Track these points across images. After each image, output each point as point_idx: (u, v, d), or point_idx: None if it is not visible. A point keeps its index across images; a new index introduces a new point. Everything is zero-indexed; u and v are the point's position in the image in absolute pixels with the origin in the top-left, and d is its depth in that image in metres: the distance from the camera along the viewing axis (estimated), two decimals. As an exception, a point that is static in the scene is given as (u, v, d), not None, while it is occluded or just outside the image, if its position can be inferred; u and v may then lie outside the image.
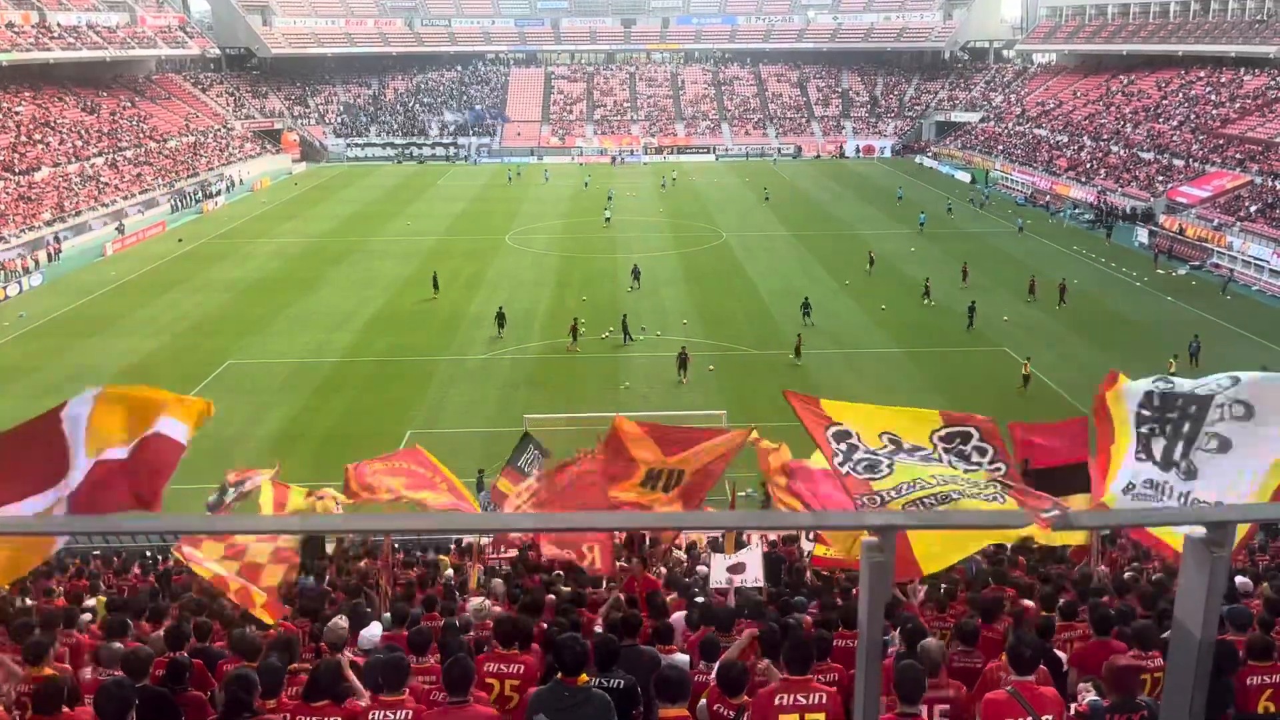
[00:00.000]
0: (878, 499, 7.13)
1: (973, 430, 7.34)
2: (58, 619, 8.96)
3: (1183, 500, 5.29)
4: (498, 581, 12.83)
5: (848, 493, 7.33)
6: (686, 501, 9.21)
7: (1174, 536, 5.64)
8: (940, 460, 7.10)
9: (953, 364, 34.61)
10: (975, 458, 7.24)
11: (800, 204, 69.36)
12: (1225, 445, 5.35)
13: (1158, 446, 5.52)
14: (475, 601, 10.63)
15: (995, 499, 6.80)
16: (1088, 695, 5.94)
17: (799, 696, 5.44)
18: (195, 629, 8.63)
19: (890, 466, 7.01)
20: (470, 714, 5.24)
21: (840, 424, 7.29)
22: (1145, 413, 5.68)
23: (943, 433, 7.27)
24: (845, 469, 7.13)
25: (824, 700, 5.46)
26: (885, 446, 7.15)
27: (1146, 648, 6.57)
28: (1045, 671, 6.37)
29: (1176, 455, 5.43)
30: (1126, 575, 12.13)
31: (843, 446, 7.18)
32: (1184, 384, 5.58)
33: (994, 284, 44.20)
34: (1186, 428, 5.48)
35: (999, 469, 7.03)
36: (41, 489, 5.90)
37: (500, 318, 38.71)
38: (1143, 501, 5.45)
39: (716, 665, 6.39)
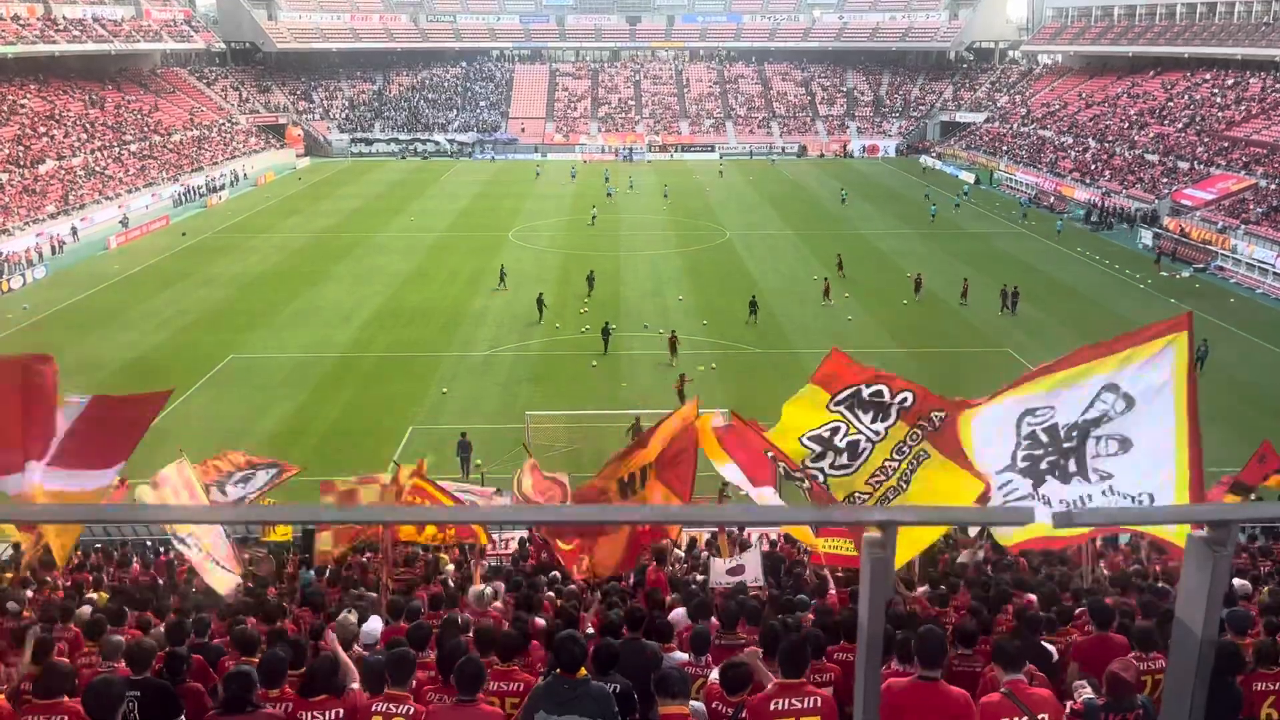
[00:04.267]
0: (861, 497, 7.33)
1: (860, 386, 7.62)
2: (57, 612, 8.98)
3: (1108, 497, 5.80)
4: (498, 584, 12.80)
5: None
6: (673, 485, 9.27)
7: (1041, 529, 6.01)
8: (857, 423, 7.37)
9: (954, 364, 34.54)
10: (880, 411, 7.50)
11: (804, 203, 69.34)
12: (1126, 445, 5.71)
13: (1054, 486, 6.10)
14: (476, 589, 10.63)
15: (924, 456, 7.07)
16: (1084, 693, 5.93)
17: (794, 701, 5.44)
18: (195, 624, 8.62)
19: (852, 461, 7.33)
20: (477, 713, 5.25)
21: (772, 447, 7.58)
22: (1036, 452, 6.16)
23: (840, 398, 7.53)
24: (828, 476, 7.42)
25: (818, 704, 5.47)
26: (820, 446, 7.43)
27: (1147, 649, 6.56)
28: (1042, 676, 6.35)
29: (1072, 467, 6.01)
30: (1130, 571, 12.12)
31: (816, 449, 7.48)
32: (1061, 415, 6.08)
33: (994, 282, 44.07)
34: (1076, 452, 6.04)
35: (906, 399, 7.27)
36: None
37: (540, 304, 40.41)
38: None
39: (720, 666, 6.39)
